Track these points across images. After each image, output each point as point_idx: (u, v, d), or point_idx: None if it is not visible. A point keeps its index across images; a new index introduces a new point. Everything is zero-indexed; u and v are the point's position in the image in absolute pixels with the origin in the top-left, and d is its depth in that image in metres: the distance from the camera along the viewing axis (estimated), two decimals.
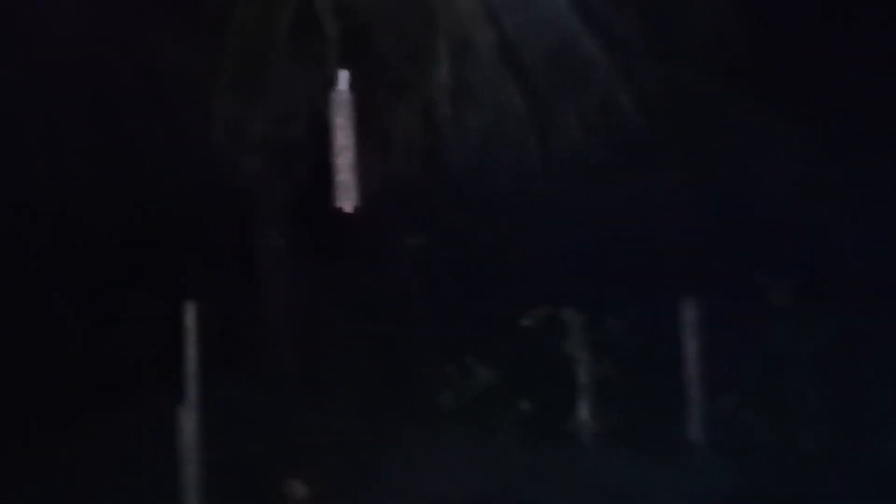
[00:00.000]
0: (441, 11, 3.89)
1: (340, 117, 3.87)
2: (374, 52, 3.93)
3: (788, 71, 4.12)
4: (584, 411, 4.12)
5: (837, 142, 4.29)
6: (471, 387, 4.20)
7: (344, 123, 3.86)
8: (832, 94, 4.27)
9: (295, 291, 4.13)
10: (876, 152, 4.58)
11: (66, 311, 3.91)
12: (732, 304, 4.10)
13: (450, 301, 4.14)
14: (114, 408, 3.88)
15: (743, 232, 4.43)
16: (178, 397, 3.79)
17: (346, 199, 3.89)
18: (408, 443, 3.94)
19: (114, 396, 3.89)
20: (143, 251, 3.93)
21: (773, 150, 4.32)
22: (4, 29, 3.72)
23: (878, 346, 3.98)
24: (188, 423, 3.76)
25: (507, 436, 4.03)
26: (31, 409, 3.86)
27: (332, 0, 3.88)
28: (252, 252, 4.09)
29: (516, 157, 4.09)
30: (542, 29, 3.95)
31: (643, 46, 4.05)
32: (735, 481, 3.79)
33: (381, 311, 4.14)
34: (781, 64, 4.10)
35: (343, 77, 3.83)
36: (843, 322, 4.04)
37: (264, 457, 3.87)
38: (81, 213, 3.86)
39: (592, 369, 4.14)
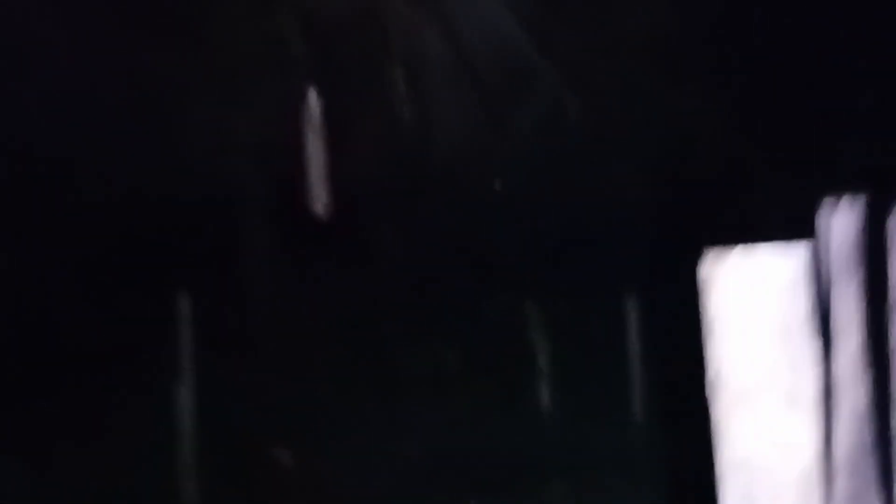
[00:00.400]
0: (394, 29, 4.37)
1: (311, 126, 4.41)
2: (338, 67, 4.46)
3: (729, 61, 4.37)
4: (541, 391, 4.50)
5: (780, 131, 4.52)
6: (436, 367, 4.64)
7: (315, 132, 4.40)
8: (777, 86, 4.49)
9: (276, 282, 4.66)
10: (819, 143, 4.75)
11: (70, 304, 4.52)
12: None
13: (416, 290, 4.61)
14: (116, 380, 4.49)
15: (693, 222, 4.70)
16: (174, 374, 4.42)
17: (318, 200, 4.44)
18: (378, 412, 4.46)
19: (118, 371, 4.51)
20: (138, 247, 4.54)
21: (719, 140, 4.57)
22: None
23: None
24: (183, 396, 4.37)
25: (467, 409, 4.46)
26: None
27: (298, 20, 4.43)
28: (237, 245, 4.65)
29: (475, 156, 4.53)
30: (491, 38, 4.38)
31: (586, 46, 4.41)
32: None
33: (353, 299, 4.64)
34: (723, 55, 4.35)
35: (312, 91, 4.38)
36: None
37: (252, 426, 4.47)
38: (80, 215, 4.47)
39: (550, 354, 4.52)
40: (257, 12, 4.49)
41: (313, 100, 4.43)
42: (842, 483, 3.51)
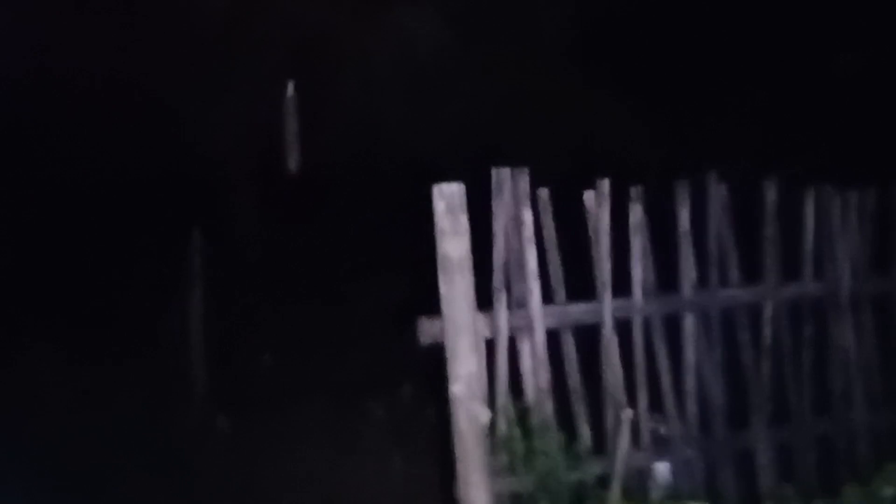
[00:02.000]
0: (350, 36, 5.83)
1: (289, 110, 5.95)
2: (311, 65, 5.93)
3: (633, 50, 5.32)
4: None
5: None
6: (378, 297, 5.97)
7: (291, 114, 5.94)
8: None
9: (261, 223, 6.23)
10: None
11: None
12: None
13: (363, 233, 6.01)
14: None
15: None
16: (190, 285, 6.07)
17: (293, 164, 6.00)
18: (329, 328, 5.93)
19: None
20: (165, 197, 6.15)
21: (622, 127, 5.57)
22: None
23: None
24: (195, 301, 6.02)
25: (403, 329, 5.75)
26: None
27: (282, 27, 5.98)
28: (234, 196, 6.22)
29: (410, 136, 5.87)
30: (414, 42, 5.73)
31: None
32: None
33: (316, 238, 6.09)
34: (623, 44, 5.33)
35: (290, 85, 5.92)
36: None
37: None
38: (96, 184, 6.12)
39: None
40: (249, 16, 6.01)
41: (291, 90, 5.95)
42: None
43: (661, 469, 4.34)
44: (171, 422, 5.70)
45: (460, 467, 3.70)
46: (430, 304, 3.81)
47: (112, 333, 6.02)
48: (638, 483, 4.21)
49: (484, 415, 3.71)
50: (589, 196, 4.19)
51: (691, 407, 4.40)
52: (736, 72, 5.69)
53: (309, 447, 5.34)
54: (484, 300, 3.87)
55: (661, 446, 4.32)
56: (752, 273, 4.57)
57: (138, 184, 6.05)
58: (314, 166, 6.06)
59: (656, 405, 4.33)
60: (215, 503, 5.07)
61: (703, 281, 4.47)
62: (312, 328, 5.95)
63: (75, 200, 6.09)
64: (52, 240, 6.09)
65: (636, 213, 4.30)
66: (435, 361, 3.82)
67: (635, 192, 4.30)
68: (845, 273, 4.79)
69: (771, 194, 4.68)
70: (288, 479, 5.18)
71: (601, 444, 4.12)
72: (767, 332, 4.60)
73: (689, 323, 4.43)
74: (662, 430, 4.34)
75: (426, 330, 3.76)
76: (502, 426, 3.86)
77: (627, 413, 4.06)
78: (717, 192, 4.53)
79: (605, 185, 4.20)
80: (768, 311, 4.61)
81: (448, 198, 3.75)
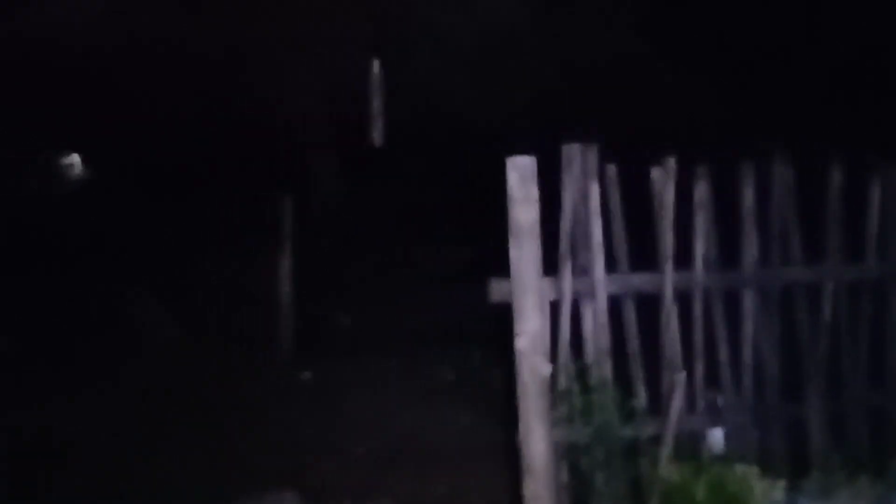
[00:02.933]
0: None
1: (373, 85, 6.33)
2: (395, 44, 6.32)
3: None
4: None
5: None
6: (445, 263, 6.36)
7: (375, 88, 6.31)
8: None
9: (344, 188, 6.65)
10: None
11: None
12: None
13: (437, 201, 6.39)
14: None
15: None
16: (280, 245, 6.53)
17: (376, 137, 6.39)
18: (403, 290, 6.33)
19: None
20: (258, 165, 6.60)
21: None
22: None
23: None
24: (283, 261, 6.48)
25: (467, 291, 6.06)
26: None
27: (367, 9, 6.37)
28: (321, 164, 6.62)
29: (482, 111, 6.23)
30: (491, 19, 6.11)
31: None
32: None
33: (393, 205, 6.49)
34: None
35: (376, 62, 6.31)
36: None
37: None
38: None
39: None
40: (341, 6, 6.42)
41: (376, 67, 6.33)
42: None
43: (716, 435, 4.58)
44: (261, 371, 6.16)
45: (522, 416, 4.02)
46: (499, 267, 4.12)
47: (207, 291, 6.53)
48: (691, 446, 4.46)
49: (545, 368, 4.02)
50: (656, 172, 4.44)
51: (747, 378, 4.61)
52: (808, 52, 5.84)
53: (383, 396, 5.75)
54: (549, 267, 4.16)
55: (715, 413, 4.56)
56: (814, 253, 4.75)
57: (234, 154, 6.53)
58: (395, 137, 6.48)
59: (713, 375, 4.56)
60: (298, 445, 5.50)
61: (765, 259, 4.66)
62: (390, 287, 6.35)
63: (181, 168, 6.60)
64: (160, 202, 6.61)
65: (700, 191, 4.52)
66: (502, 320, 4.14)
67: (701, 170, 4.52)
68: None
69: (836, 176, 4.83)
70: (363, 425, 5.59)
71: (657, 407, 4.38)
72: (827, 310, 4.76)
73: (749, 299, 4.63)
74: (719, 400, 4.57)
75: (496, 290, 4.07)
76: (563, 381, 4.16)
77: (681, 376, 4.31)
78: (782, 173, 4.71)
79: (671, 162, 4.44)
80: (828, 291, 4.77)
81: (521, 169, 4.05)
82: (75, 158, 7.02)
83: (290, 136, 6.47)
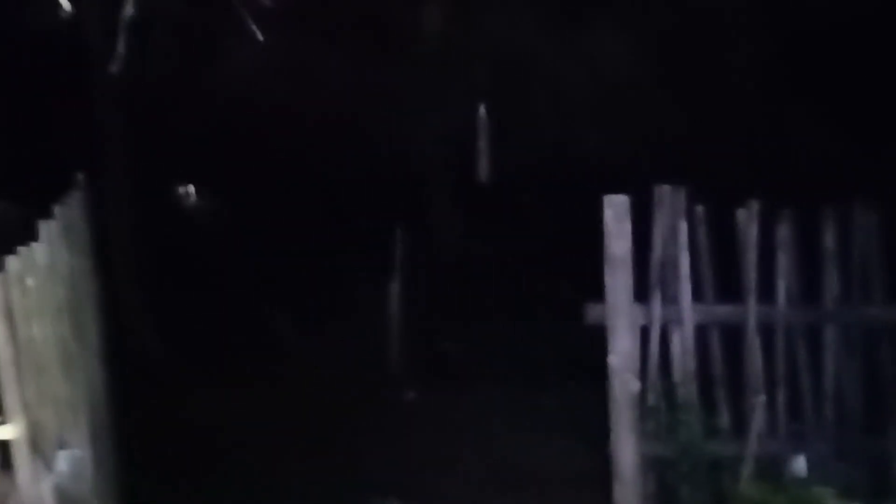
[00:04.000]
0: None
1: (482, 129, 6.96)
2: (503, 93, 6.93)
3: None
4: None
5: None
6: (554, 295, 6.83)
7: (484, 133, 6.94)
8: None
9: (455, 226, 7.28)
10: None
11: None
12: None
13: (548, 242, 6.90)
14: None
15: None
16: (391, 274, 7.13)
17: (485, 179, 7.01)
18: (510, 322, 6.86)
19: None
20: (375, 201, 7.28)
21: None
22: None
23: None
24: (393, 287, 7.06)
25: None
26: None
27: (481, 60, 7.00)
28: (434, 202, 7.29)
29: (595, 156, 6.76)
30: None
31: None
32: None
33: (505, 245, 7.06)
34: None
35: (482, 109, 6.92)
36: None
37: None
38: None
39: None
40: (455, 51, 7.07)
41: (483, 112, 6.98)
42: None
43: (798, 461, 4.91)
44: (371, 393, 6.72)
45: (613, 428, 4.46)
46: (597, 295, 4.59)
47: (327, 315, 7.17)
48: (773, 468, 4.80)
49: (635, 385, 4.46)
50: (741, 213, 4.87)
51: (828, 409, 4.93)
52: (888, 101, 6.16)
53: (487, 418, 6.23)
54: (641, 294, 4.62)
55: (798, 440, 4.89)
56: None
57: (356, 188, 7.21)
58: (502, 175, 7.08)
59: (796, 404, 4.89)
60: (405, 460, 6.00)
61: (846, 297, 5.00)
62: (494, 313, 6.88)
63: (310, 201, 7.32)
64: (289, 233, 7.33)
65: (783, 232, 4.92)
66: (598, 343, 4.59)
67: (785, 213, 4.93)
68: None
69: None
70: (467, 445, 6.07)
71: (740, 428, 4.75)
72: None
73: (830, 334, 4.97)
74: (800, 427, 4.90)
75: (591, 312, 4.55)
76: (651, 398, 4.59)
77: (761, 398, 4.69)
78: (864, 218, 5.06)
79: (755, 205, 4.87)
80: None
81: (616, 206, 4.55)
82: (191, 189, 7.78)
83: (407, 174, 7.16)
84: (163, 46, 6.98)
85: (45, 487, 3.38)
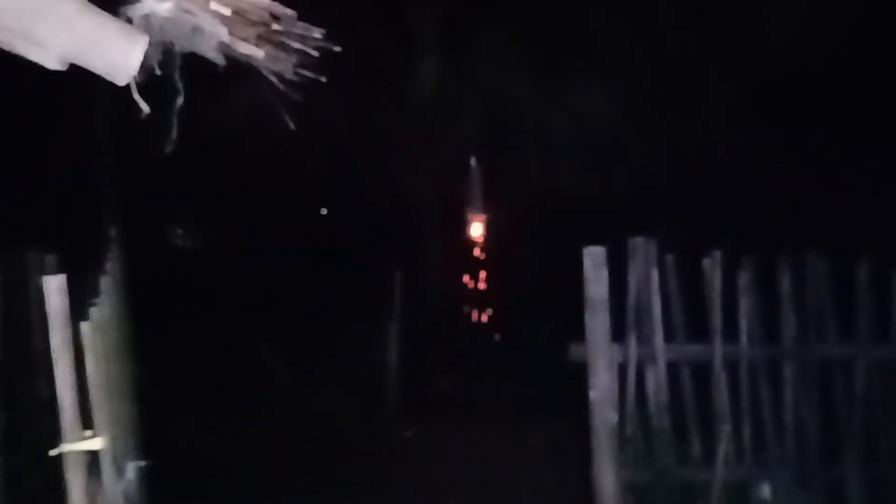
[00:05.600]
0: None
1: (472, 179, 7.56)
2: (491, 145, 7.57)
3: None
4: None
5: None
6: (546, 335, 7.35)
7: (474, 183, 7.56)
8: None
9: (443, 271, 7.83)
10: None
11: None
12: None
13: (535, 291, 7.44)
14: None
15: None
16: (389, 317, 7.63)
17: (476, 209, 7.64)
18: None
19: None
20: (369, 245, 7.82)
21: None
22: None
23: None
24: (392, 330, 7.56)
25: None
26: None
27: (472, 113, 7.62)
28: (422, 250, 7.87)
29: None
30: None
31: None
32: None
33: (491, 292, 7.57)
34: None
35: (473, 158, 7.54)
36: None
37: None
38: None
39: None
40: (447, 104, 7.67)
41: (474, 163, 7.58)
42: None
43: (764, 487, 5.42)
44: (368, 427, 7.17)
45: (595, 457, 4.95)
46: (577, 334, 5.10)
47: (324, 355, 7.64)
48: (741, 493, 5.30)
49: (613, 417, 4.96)
50: (707, 262, 5.42)
51: (789, 439, 5.44)
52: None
53: (476, 454, 6.69)
54: (618, 335, 5.14)
55: (763, 467, 5.39)
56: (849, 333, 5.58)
57: (352, 234, 7.75)
58: (493, 224, 7.66)
59: (760, 435, 5.40)
60: (398, 496, 6.42)
61: (803, 337, 5.53)
62: (483, 353, 7.38)
63: (309, 243, 7.83)
64: (287, 271, 7.81)
65: (744, 278, 5.47)
66: (579, 379, 5.09)
67: (746, 261, 5.48)
68: None
69: (865, 268, 5.70)
70: (457, 479, 6.51)
71: (710, 457, 5.25)
72: (860, 383, 5.57)
73: (789, 370, 5.50)
74: (764, 456, 5.41)
75: (574, 351, 5.07)
76: (629, 429, 5.10)
77: (727, 428, 5.20)
78: (817, 264, 5.61)
79: (718, 255, 5.42)
80: (861, 366, 5.60)
81: (594, 256, 5.08)
82: (184, 231, 8.21)
83: (401, 220, 7.73)
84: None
85: (119, 492, 3.86)
